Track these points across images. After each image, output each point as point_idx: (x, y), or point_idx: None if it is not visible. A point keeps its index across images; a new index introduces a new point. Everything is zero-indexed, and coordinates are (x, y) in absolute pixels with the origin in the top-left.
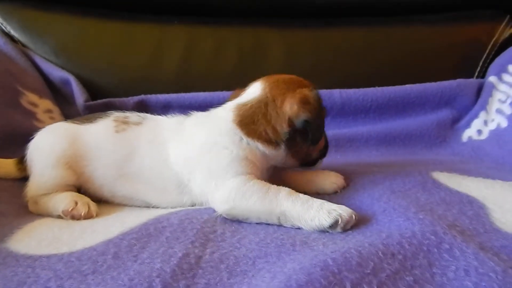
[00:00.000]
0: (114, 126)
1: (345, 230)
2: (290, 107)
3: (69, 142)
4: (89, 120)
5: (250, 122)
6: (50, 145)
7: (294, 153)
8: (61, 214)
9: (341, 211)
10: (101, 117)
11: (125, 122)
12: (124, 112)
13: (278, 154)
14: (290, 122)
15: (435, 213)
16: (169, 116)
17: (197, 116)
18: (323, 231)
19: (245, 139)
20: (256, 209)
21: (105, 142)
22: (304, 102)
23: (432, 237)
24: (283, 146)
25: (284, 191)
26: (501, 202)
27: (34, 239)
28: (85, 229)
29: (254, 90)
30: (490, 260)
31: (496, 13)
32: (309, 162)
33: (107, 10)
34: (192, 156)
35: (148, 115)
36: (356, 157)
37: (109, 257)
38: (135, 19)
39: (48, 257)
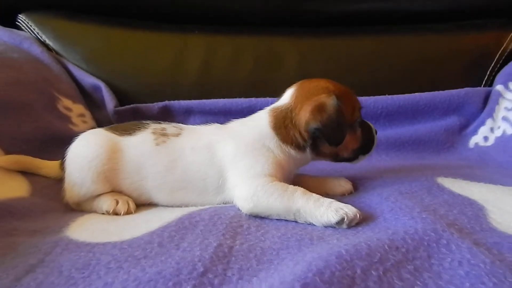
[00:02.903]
0: (154, 139)
1: (350, 226)
2: (304, 115)
3: (109, 156)
4: (128, 132)
5: (282, 126)
6: (90, 160)
7: (321, 154)
8: (105, 212)
9: (347, 210)
10: (139, 128)
11: (164, 135)
12: (160, 123)
13: (306, 157)
14: (306, 129)
15: (437, 213)
16: (204, 125)
17: (242, 120)
18: (330, 227)
19: (280, 144)
20: (276, 206)
21: (146, 157)
22: (317, 110)
23: (432, 234)
24: (308, 150)
25: (299, 190)
26: (501, 205)
27: (87, 230)
28: (128, 222)
29: (287, 95)
30: (481, 254)
31: (504, 22)
32: (346, 159)
33: (132, 20)
34: (238, 153)
35: (183, 125)
36: (367, 162)
37: (155, 245)
38: (159, 29)
39: (104, 244)
